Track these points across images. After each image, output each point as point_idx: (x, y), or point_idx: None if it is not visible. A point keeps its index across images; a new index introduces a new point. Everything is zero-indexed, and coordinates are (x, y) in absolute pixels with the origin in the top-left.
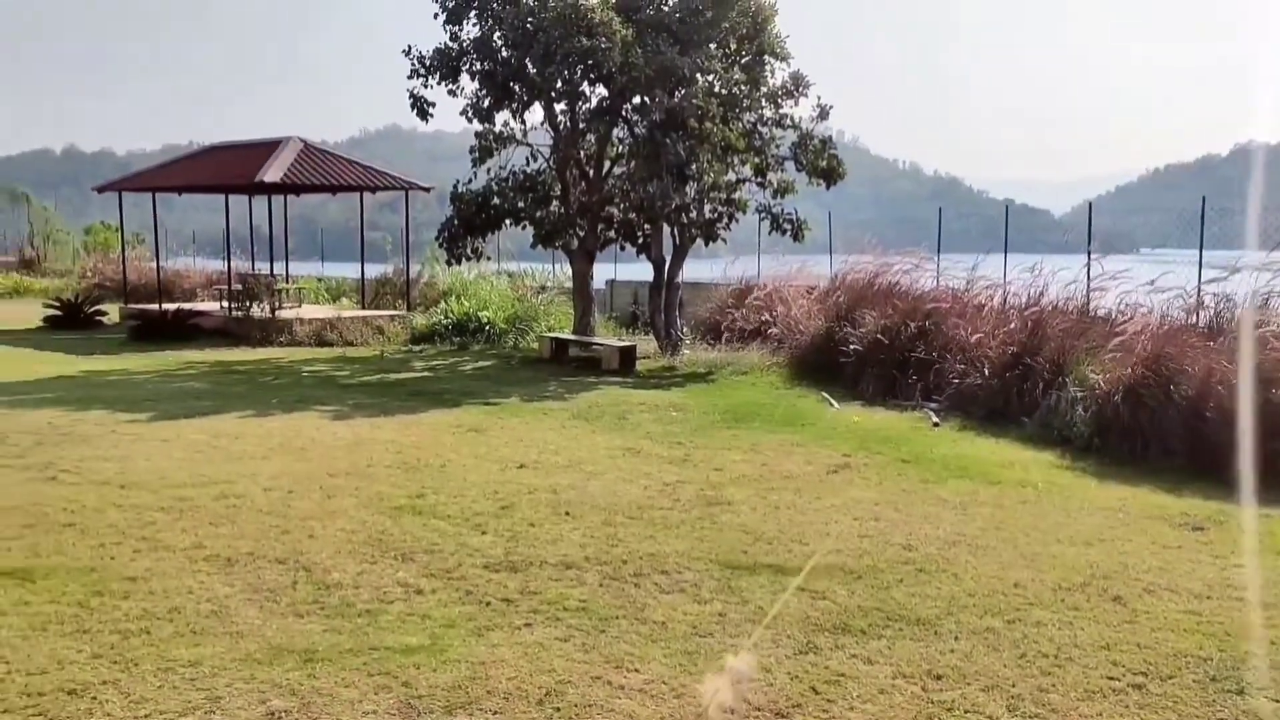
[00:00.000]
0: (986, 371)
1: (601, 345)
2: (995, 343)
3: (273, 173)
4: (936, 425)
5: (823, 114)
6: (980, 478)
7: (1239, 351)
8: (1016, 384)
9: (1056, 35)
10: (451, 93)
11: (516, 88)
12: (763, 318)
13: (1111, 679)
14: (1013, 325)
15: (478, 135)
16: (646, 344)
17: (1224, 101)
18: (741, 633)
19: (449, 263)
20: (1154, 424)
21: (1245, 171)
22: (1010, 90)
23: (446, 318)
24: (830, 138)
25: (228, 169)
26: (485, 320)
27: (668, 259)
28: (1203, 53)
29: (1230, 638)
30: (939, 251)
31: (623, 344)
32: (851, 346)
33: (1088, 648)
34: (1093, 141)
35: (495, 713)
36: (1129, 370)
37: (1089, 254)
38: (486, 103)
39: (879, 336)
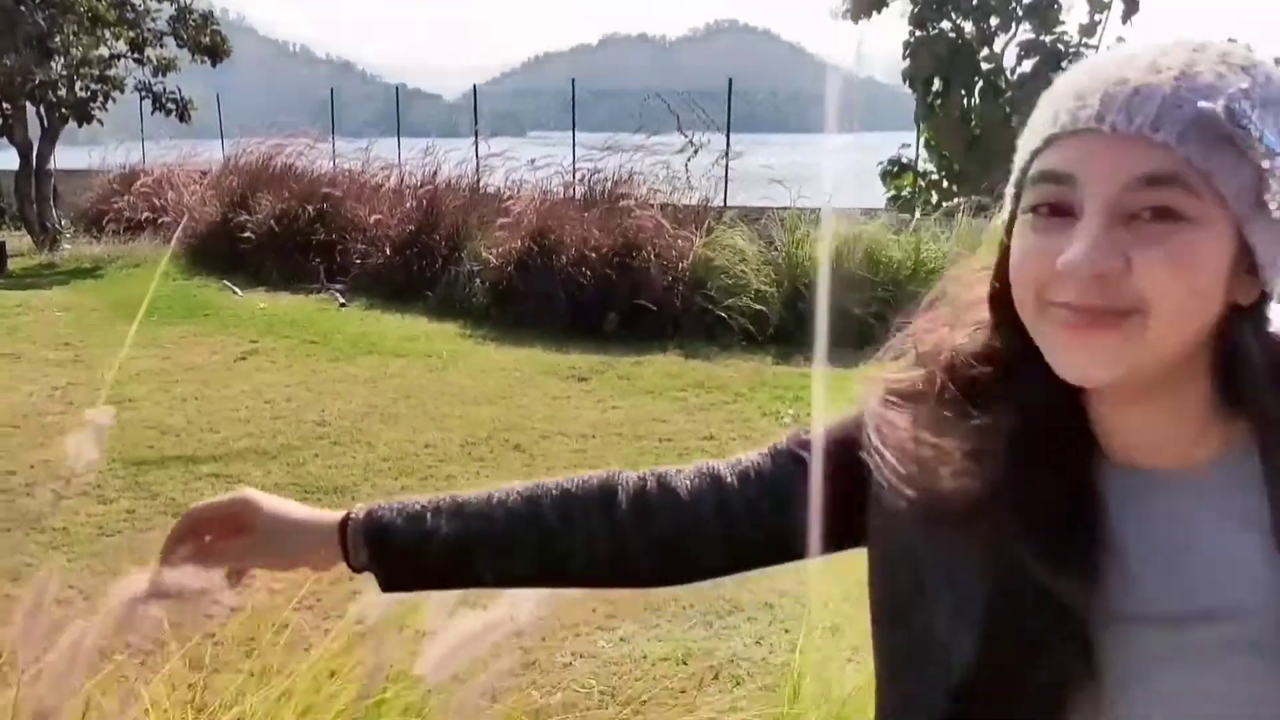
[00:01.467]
0: (388, 250)
1: None
2: (394, 222)
3: None
4: (343, 306)
5: None
6: (389, 352)
7: (608, 221)
8: (416, 261)
9: None
10: None
11: None
12: (153, 204)
13: None
14: (409, 205)
15: None
16: (19, 240)
17: None
18: (153, 526)
19: None
20: (541, 291)
21: (616, 59)
22: None
23: None
24: (211, 13)
25: None
26: None
27: (35, 143)
28: None
29: (611, 467)
30: (334, 135)
31: None
32: (249, 233)
33: None
34: (480, 30)
35: None
36: (518, 243)
37: (477, 135)
38: None
39: (277, 221)
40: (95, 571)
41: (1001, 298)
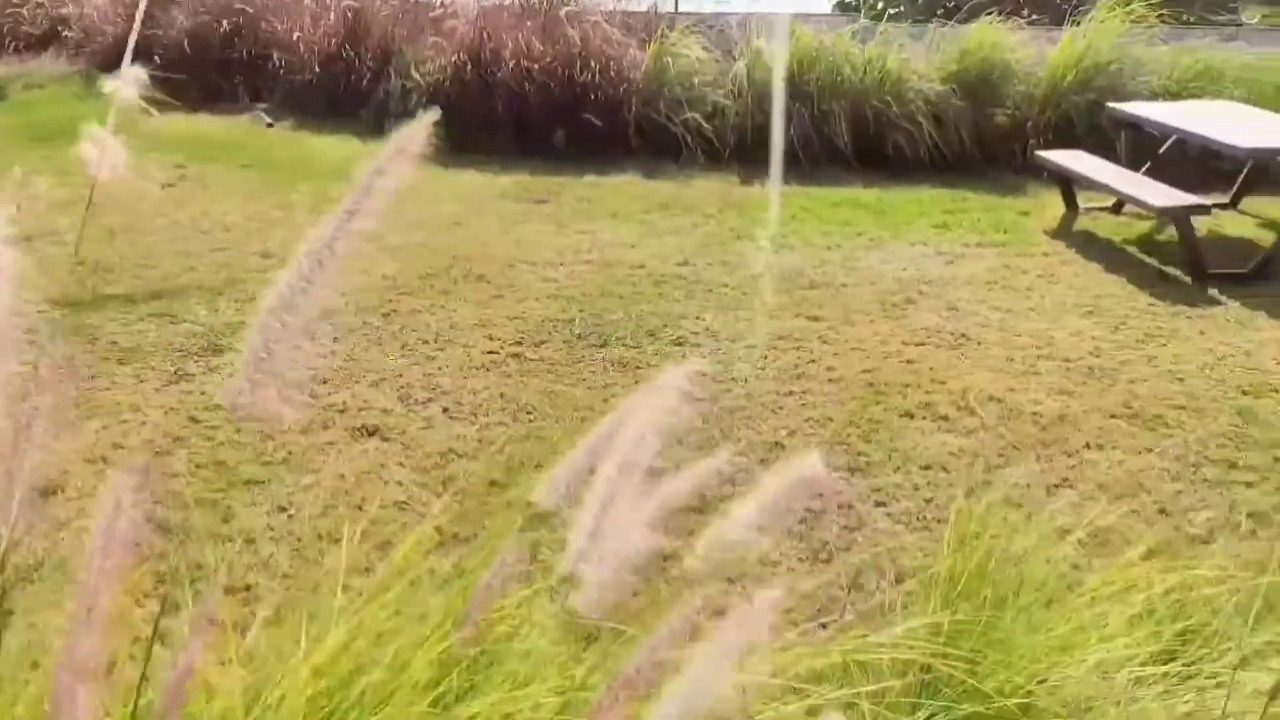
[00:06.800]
0: (316, 67)
1: None
2: (317, 37)
3: None
4: (270, 126)
5: None
6: (327, 176)
7: (550, 31)
8: (344, 78)
9: None
10: None
11: None
12: (54, 18)
13: (491, 353)
14: (332, 18)
15: None
16: None
17: None
18: (95, 374)
19: None
20: (481, 108)
21: None
22: None
23: None
24: None
25: None
26: None
27: None
28: None
29: (586, 298)
30: None
31: None
32: (157, 53)
33: (464, 328)
34: None
35: None
36: (455, 57)
37: None
38: None
39: (190, 37)
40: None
41: None
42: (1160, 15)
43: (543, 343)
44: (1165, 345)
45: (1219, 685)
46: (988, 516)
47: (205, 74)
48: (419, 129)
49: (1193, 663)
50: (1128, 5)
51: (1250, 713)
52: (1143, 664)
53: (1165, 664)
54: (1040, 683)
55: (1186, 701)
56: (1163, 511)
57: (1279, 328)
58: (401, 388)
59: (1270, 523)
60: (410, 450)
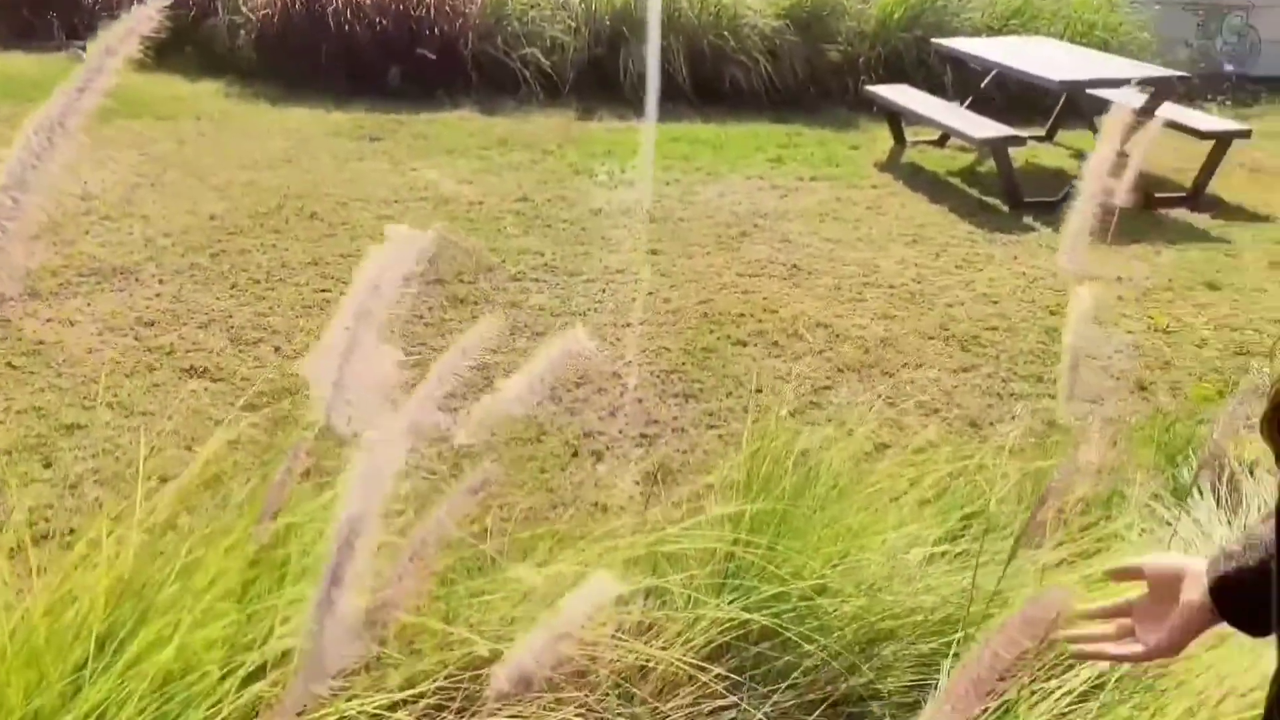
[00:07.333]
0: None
1: None
2: None
3: None
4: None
5: None
6: (151, 115)
7: None
8: (167, 11)
9: None
10: None
11: None
12: None
13: (322, 290)
14: None
15: None
16: None
17: None
18: None
19: None
20: (311, 43)
21: None
22: None
23: None
24: None
25: None
26: None
27: None
28: None
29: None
30: None
31: None
32: None
33: (296, 266)
34: None
35: None
36: None
37: None
38: None
39: None
40: None
41: None
42: None
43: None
44: (981, 270)
45: (997, 562)
46: (784, 422)
47: (14, 8)
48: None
49: (976, 540)
50: None
51: (1026, 585)
52: (932, 545)
53: (952, 544)
54: (835, 566)
55: (966, 579)
56: (973, 424)
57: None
58: (231, 329)
59: (1067, 430)
60: (241, 390)
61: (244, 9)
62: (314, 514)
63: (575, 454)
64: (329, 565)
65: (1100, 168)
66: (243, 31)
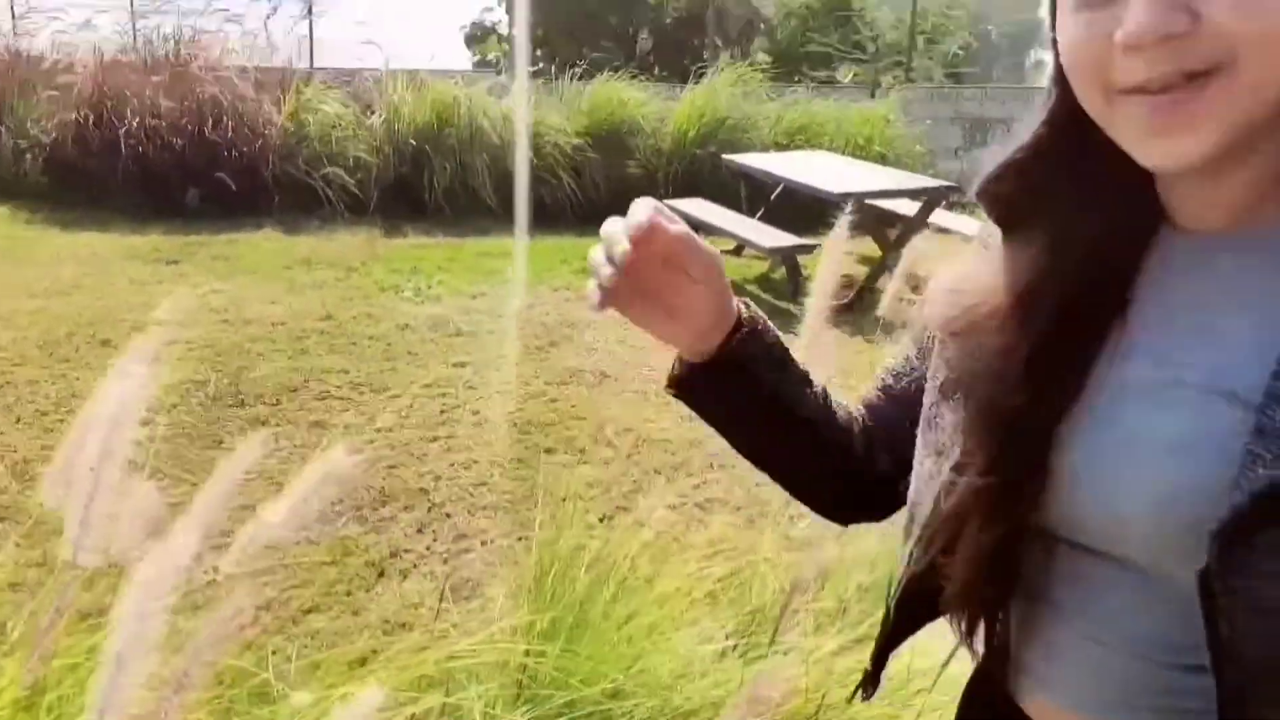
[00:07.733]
0: None
1: None
2: None
3: None
4: None
5: None
6: None
7: (176, 87)
8: None
9: None
10: None
11: None
12: None
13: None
14: None
15: None
16: None
17: None
18: None
19: None
20: (105, 167)
21: None
22: None
23: None
24: None
25: None
26: None
27: None
28: None
29: (222, 358)
30: None
31: None
32: None
33: (87, 396)
34: None
35: None
36: (72, 114)
37: None
38: None
39: None
40: None
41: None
42: (769, 73)
43: (175, 406)
44: None
45: (786, 653)
46: (574, 527)
47: None
48: None
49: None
50: (749, 63)
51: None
52: (723, 640)
53: (745, 638)
54: (628, 669)
55: (757, 670)
56: (772, 518)
57: (872, 349)
58: (17, 463)
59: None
60: (24, 527)
61: (32, 131)
62: (88, 652)
63: (381, 574)
64: (97, 703)
65: (828, 278)
66: (28, 155)
